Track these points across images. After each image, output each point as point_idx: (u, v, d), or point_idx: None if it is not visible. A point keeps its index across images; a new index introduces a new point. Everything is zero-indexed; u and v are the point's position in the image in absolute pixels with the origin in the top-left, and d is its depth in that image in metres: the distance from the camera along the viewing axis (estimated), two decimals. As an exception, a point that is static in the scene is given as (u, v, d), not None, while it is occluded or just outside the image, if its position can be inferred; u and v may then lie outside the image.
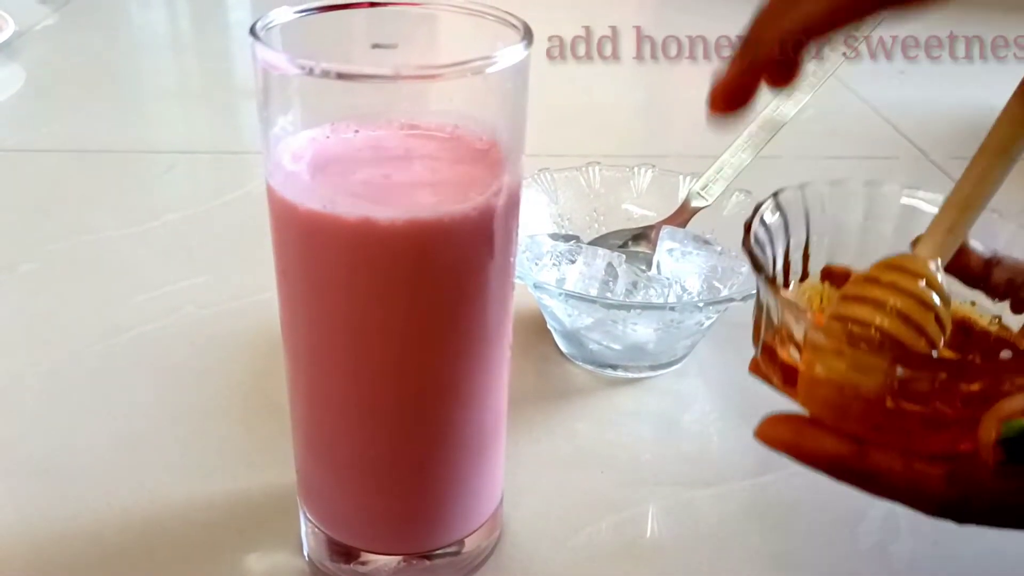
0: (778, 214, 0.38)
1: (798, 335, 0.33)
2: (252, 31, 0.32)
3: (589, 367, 0.56)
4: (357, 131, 0.35)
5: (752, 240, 0.35)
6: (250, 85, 0.34)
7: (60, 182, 0.79)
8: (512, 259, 0.37)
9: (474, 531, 0.42)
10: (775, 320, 0.34)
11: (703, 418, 0.52)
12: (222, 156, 0.85)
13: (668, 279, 0.55)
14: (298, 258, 0.35)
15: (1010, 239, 0.38)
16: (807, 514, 0.46)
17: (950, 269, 0.37)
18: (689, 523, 0.46)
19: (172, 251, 0.68)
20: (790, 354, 0.34)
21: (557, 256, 0.56)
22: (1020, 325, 0.38)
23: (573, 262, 0.55)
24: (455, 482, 0.39)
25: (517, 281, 0.41)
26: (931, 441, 0.32)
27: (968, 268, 0.38)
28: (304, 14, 0.35)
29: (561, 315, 0.53)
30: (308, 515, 0.42)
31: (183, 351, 0.57)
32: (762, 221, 0.37)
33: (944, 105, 1.02)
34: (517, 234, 0.37)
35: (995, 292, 0.38)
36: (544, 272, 0.55)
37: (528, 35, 0.34)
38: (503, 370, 0.40)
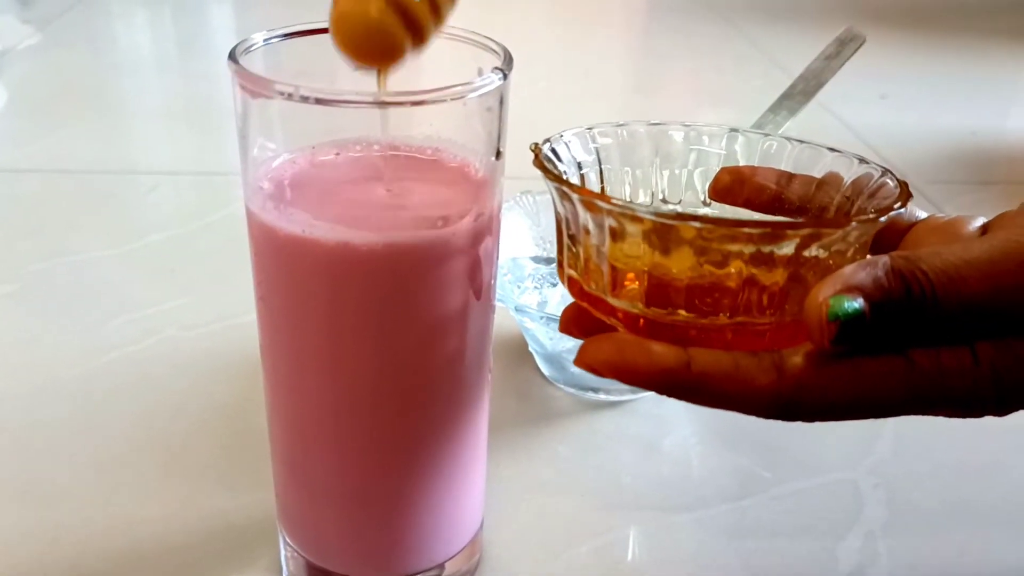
0: (569, 149, 0.36)
1: (600, 240, 0.31)
2: (231, 55, 0.33)
3: (571, 390, 0.56)
4: (338, 153, 0.35)
5: (544, 158, 0.33)
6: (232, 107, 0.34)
7: (42, 202, 0.79)
8: (492, 282, 0.37)
9: (454, 555, 0.42)
10: (579, 239, 0.32)
11: (684, 442, 0.53)
12: (205, 177, 0.85)
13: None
14: (277, 282, 0.35)
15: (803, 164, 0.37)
16: (786, 537, 0.46)
17: (744, 203, 0.36)
18: (669, 547, 0.46)
19: (154, 272, 0.68)
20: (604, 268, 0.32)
21: (539, 279, 0.56)
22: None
23: (555, 285, 0.55)
24: (435, 506, 0.39)
25: (498, 304, 0.41)
26: (750, 340, 0.30)
27: (764, 192, 0.37)
28: (285, 38, 0.35)
29: (543, 338, 0.53)
30: (287, 539, 0.42)
31: (164, 373, 0.56)
32: (552, 149, 0.35)
33: (925, 129, 1.02)
34: (497, 257, 0.37)
35: (793, 210, 0.36)
36: (526, 295, 0.55)
37: (508, 61, 0.34)
38: (483, 394, 0.40)
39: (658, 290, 0.30)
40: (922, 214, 0.35)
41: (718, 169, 0.38)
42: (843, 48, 0.56)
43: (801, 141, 0.37)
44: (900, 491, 0.49)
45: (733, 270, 0.29)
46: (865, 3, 1.57)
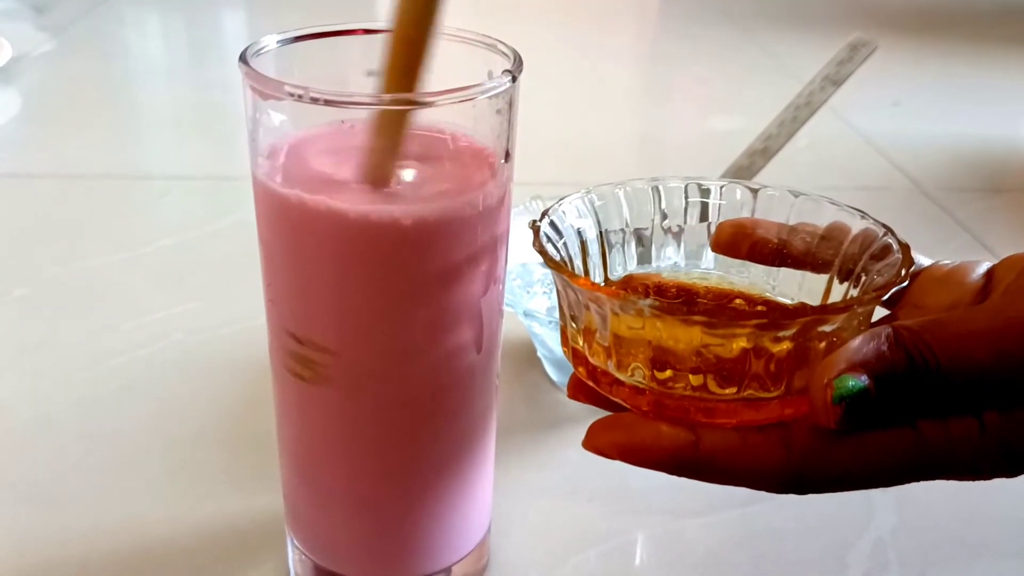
0: (567, 218, 0.36)
1: (602, 324, 0.31)
2: (242, 57, 0.33)
3: (580, 395, 0.56)
4: (352, 126, 0.35)
5: (543, 238, 0.34)
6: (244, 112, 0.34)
7: (54, 207, 0.80)
8: (501, 276, 0.37)
9: (462, 558, 0.41)
10: (580, 318, 0.32)
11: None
12: (216, 183, 0.85)
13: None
14: (286, 272, 0.35)
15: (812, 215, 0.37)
16: (795, 543, 0.46)
17: (747, 255, 0.37)
18: (677, 552, 0.45)
19: (164, 277, 0.68)
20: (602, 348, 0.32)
21: (548, 284, 0.56)
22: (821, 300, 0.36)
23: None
24: (443, 510, 0.39)
25: (507, 309, 0.41)
26: (757, 411, 0.31)
27: (765, 244, 0.37)
28: (297, 40, 0.36)
29: (551, 343, 0.53)
30: (295, 542, 0.42)
31: (173, 377, 0.57)
32: (551, 223, 0.35)
33: (937, 137, 1.02)
34: (507, 254, 0.37)
35: (795, 263, 0.37)
36: (535, 300, 0.55)
37: (519, 64, 0.34)
38: (491, 398, 0.40)
39: (663, 359, 0.30)
40: (925, 261, 0.35)
41: (719, 221, 0.38)
42: (854, 54, 0.56)
43: (801, 193, 0.37)
44: (910, 497, 0.49)
45: (737, 347, 0.30)
46: (878, 10, 1.57)
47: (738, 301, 0.37)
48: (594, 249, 0.37)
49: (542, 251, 0.33)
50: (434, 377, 0.36)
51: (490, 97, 0.32)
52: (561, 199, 0.36)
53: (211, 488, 0.48)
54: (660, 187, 0.38)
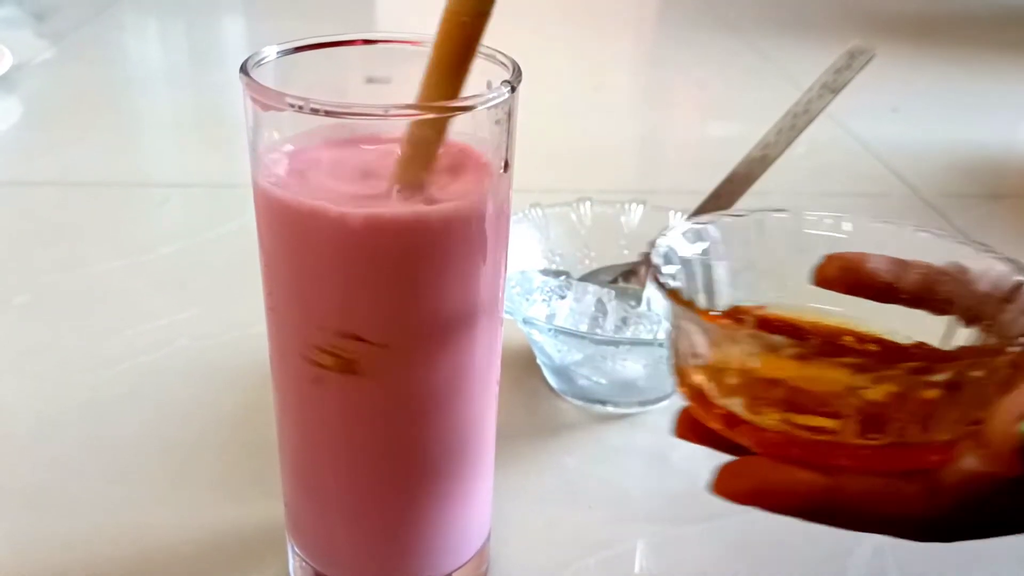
0: (677, 249, 0.35)
1: (735, 363, 0.30)
2: (243, 68, 0.33)
3: (578, 403, 0.56)
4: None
5: (660, 271, 0.33)
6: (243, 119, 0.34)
7: (55, 214, 0.80)
8: (501, 284, 0.37)
9: (461, 566, 0.42)
10: (703, 356, 0.31)
11: (692, 454, 0.52)
12: (217, 190, 0.85)
13: (658, 315, 0.55)
14: (286, 262, 0.35)
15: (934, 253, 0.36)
16: (795, 550, 0.46)
17: (854, 290, 0.35)
18: (677, 559, 0.46)
19: (165, 284, 0.68)
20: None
21: (547, 292, 0.56)
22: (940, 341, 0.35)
23: (563, 298, 0.55)
24: (443, 517, 0.39)
25: (507, 316, 0.41)
26: (895, 458, 0.29)
27: (876, 280, 0.35)
28: (297, 51, 0.36)
29: (551, 350, 0.53)
30: (296, 549, 0.42)
31: (175, 384, 0.57)
32: (664, 254, 0.34)
33: (936, 143, 1.02)
34: (506, 262, 0.38)
35: (909, 300, 0.35)
36: (534, 307, 0.55)
37: (517, 74, 0.34)
38: (491, 405, 0.40)
39: (800, 401, 0.29)
40: None
41: (824, 254, 0.36)
42: (852, 61, 0.57)
43: (909, 224, 0.36)
44: (909, 504, 0.49)
45: (884, 391, 0.28)
46: (876, 16, 1.57)
47: (847, 338, 0.35)
48: (701, 281, 0.36)
49: (664, 286, 0.32)
50: (434, 384, 0.36)
51: (489, 108, 0.33)
52: (665, 229, 0.35)
53: (213, 494, 0.48)
54: (763, 218, 0.37)
